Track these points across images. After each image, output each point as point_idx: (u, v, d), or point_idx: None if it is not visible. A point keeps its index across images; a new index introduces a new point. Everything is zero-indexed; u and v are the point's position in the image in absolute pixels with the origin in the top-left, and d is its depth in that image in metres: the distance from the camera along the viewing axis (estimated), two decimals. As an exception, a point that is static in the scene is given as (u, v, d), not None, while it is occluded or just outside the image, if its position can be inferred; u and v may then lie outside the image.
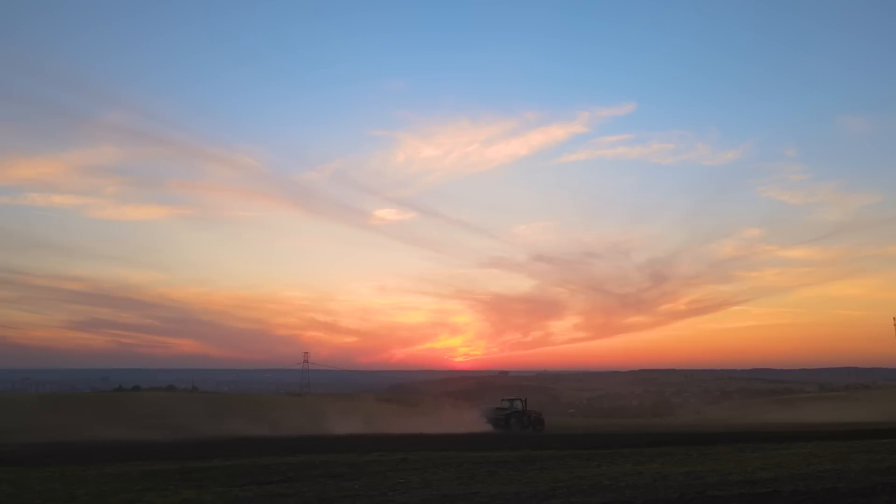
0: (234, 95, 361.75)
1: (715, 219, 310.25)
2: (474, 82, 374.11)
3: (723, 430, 37.02)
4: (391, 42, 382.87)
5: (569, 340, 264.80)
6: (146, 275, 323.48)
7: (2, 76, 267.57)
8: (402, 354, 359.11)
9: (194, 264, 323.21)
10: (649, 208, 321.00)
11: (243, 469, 13.35)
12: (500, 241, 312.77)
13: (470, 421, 39.53)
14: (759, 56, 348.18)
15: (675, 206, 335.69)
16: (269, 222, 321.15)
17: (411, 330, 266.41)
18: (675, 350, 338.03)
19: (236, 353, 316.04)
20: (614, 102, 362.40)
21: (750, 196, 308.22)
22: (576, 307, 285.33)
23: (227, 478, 12.00)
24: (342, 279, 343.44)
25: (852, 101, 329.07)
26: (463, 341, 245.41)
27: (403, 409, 51.80)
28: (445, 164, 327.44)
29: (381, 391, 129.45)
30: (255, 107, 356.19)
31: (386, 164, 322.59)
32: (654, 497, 10.46)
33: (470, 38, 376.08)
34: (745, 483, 11.98)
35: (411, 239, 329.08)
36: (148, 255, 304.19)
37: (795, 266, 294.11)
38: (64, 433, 27.96)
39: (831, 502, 9.14)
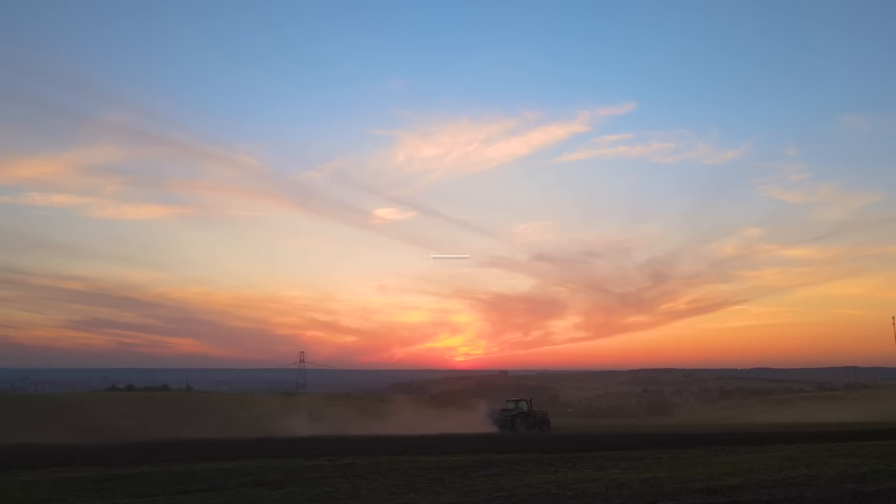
0: (234, 95, 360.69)
1: (715, 218, 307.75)
2: (474, 82, 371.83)
3: (709, 430, 36.27)
4: (391, 42, 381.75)
5: (569, 340, 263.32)
6: (146, 274, 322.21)
7: (2, 76, 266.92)
8: (403, 354, 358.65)
9: (194, 264, 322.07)
10: (649, 208, 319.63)
11: (167, 476, 12.45)
12: (501, 240, 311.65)
13: (441, 421, 38.82)
14: (759, 56, 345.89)
15: (675, 205, 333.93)
16: (269, 222, 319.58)
17: (411, 329, 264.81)
18: (675, 350, 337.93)
19: (236, 352, 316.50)
20: (614, 101, 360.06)
21: (750, 195, 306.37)
22: (576, 307, 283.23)
23: (142, 486, 11.13)
24: (342, 279, 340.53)
25: (852, 101, 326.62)
26: (463, 341, 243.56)
27: (378, 410, 50.94)
28: (445, 164, 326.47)
29: (381, 391, 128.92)
30: (255, 107, 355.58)
31: (386, 164, 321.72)
32: (600, 508, 9.68)
33: (470, 38, 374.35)
34: (705, 492, 11.16)
35: (411, 238, 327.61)
36: (148, 254, 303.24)
37: (795, 265, 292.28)
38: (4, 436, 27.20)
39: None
